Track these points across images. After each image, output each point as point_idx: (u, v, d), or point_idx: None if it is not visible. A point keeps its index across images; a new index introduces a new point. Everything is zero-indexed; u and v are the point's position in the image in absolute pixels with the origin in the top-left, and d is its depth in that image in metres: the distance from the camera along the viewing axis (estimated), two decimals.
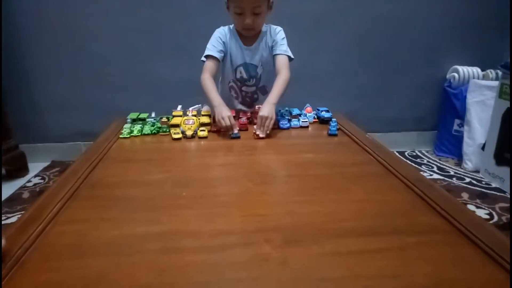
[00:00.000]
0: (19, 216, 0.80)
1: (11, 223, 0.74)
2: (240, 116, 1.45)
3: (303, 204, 0.85)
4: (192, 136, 1.31)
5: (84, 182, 0.97)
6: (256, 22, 1.39)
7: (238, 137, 1.30)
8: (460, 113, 2.08)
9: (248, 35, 1.47)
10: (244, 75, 1.54)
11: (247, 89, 1.58)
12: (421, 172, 1.93)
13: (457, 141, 2.11)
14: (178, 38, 2.09)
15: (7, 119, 1.83)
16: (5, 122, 1.80)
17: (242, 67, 1.52)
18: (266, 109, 1.31)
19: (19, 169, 1.86)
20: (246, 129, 1.39)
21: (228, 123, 1.30)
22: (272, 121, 1.30)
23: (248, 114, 1.49)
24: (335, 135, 1.34)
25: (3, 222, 1.55)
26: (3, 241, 0.61)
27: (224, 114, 1.30)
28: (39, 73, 2.09)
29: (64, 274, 0.62)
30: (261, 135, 1.29)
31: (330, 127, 1.34)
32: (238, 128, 1.33)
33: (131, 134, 1.34)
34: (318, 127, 1.45)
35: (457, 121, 2.14)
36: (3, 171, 1.88)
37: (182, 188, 0.93)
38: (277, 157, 1.17)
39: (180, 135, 1.31)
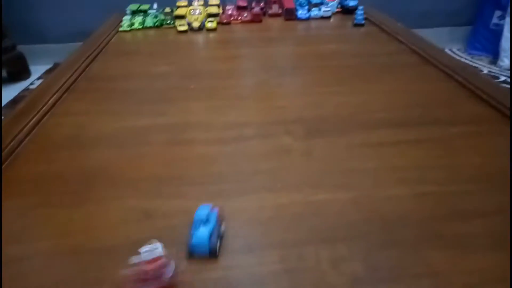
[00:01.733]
0: None
1: None
2: (253, 6, 1.28)
3: (327, 95, 0.75)
4: (200, 28, 1.17)
5: (82, 75, 0.87)
6: None
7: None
8: (502, 2, 1.83)
9: None
10: None
11: None
12: None
13: (495, 36, 1.89)
14: None
15: (2, 18, 1.68)
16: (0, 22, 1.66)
17: None
18: None
19: (20, 71, 1.76)
20: (260, 21, 1.23)
21: None
22: None
23: (262, 3, 1.31)
24: (362, 25, 1.17)
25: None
26: None
27: None
28: None
29: (63, 165, 0.56)
30: None
31: (355, 15, 1.17)
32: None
33: (132, 27, 1.20)
34: (342, 18, 1.27)
35: (497, 13, 1.89)
36: (4, 73, 1.79)
37: (190, 80, 0.83)
38: (296, 48, 1.03)
39: (186, 27, 1.17)
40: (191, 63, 0.94)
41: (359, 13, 1.17)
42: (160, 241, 0.42)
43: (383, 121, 0.65)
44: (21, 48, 1.82)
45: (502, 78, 1.75)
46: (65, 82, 0.81)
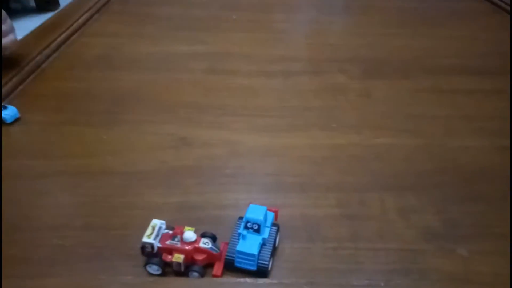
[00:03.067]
0: None
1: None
2: None
3: (386, 37, 0.66)
4: None
5: None
6: None
7: None
8: None
9: None
10: None
11: None
12: None
13: None
14: None
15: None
16: None
17: None
18: None
19: (49, 1, 1.70)
20: None
21: None
22: None
23: None
24: None
25: None
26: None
27: None
28: None
29: (93, 84, 0.51)
30: None
31: None
32: None
33: None
34: None
35: None
36: (32, 2, 1.74)
37: (232, 11, 0.75)
38: None
39: None
40: None
41: None
42: (199, 170, 0.37)
43: (455, 67, 0.56)
44: None
45: None
46: (97, 2, 0.74)
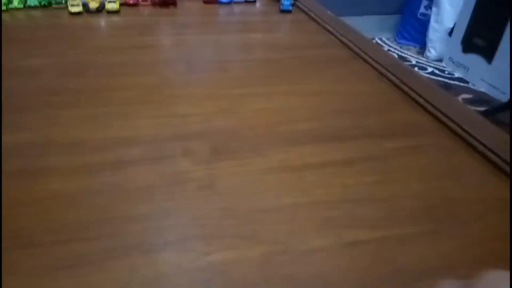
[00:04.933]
0: None
1: None
2: None
3: (243, 98, 0.61)
4: (98, 10, 0.96)
5: None
6: None
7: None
8: None
9: None
10: None
11: None
12: None
13: (422, 26, 1.89)
14: None
15: None
16: None
17: None
18: None
19: None
20: (174, 4, 1.05)
21: None
22: None
23: None
24: (289, 11, 1.05)
25: None
26: None
27: None
28: None
29: None
30: None
31: (282, 1, 1.04)
32: None
33: (10, 6, 0.96)
34: (268, 3, 1.13)
35: (424, 2, 1.89)
36: None
37: (71, 78, 0.64)
38: (213, 37, 0.88)
39: (80, 8, 0.95)
40: (76, 54, 0.75)
41: None
42: None
43: (307, 133, 0.53)
44: None
45: (430, 69, 1.76)
46: None
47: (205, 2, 1.09)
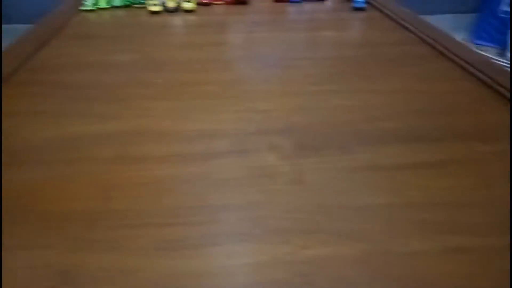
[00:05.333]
0: None
1: None
2: None
3: (320, 96, 0.61)
4: (175, 9, 1.00)
5: (27, 63, 0.71)
6: None
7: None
8: None
9: None
10: None
11: None
12: None
13: (503, 24, 1.74)
14: None
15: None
16: None
17: None
18: None
19: None
20: (245, 2, 1.07)
21: None
22: None
23: None
24: (362, 8, 1.02)
25: None
26: None
27: None
28: None
29: None
30: None
31: None
32: None
33: (97, 6, 1.03)
34: (340, 1, 1.12)
35: None
36: None
37: (155, 73, 0.68)
38: (285, 35, 0.88)
39: (159, 8, 1.00)
40: (159, 50, 0.79)
41: None
42: None
43: (390, 132, 0.51)
44: None
45: None
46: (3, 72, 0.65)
47: (275, 1, 1.10)
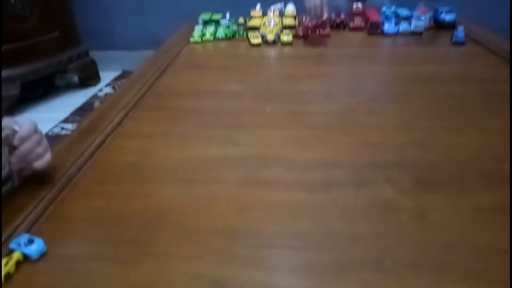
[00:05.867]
0: None
1: None
2: (333, 18, 1.16)
3: (434, 131, 0.61)
4: (274, 42, 1.07)
5: (151, 89, 0.81)
6: None
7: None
8: None
9: None
10: None
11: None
12: None
13: None
14: None
15: (76, 24, 1.73)
16: (74, 28, 1.70)
17: None
18: None
19: (91, 77, 1.81)
20: (328, 36, 1.08)
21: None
22: None
23: (342, 15, 1.19)
24: (463, 43, 1.00)
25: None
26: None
27: None
28: None
29: (121, 201, 0.48)
30: None
31: (455, 32, 1.01)
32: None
33: (203, 38, 1.14)
34: (436, 34, 1.11)
35: None
36: (76, 78, 1.84)
37: (265, 102, 0.73)
38: (386, 68, 0.90)
39: (259, 40, 1.08)
40: (265, 81, 0.85)
41: (460, 29, 1.01)
42: None
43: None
44: (93, 54, 1.87)
45: None
46: (132, 97, 0.75)
47: (369, 34, 1.12)
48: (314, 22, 1.10)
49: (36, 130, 0.46)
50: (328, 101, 0.74)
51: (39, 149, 0.46)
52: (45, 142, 0.48)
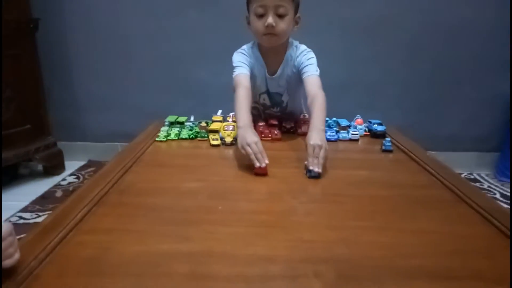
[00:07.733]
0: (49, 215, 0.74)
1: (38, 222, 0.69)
2: (284, 124, 1.34)
3: (358, 230, 0.72)
4: (232, 143, 1.21)
5: (114, 186, 0.89)
6: (279, 26, 1.14)
7: (317, 177, 0.97)
8: None
9: (270, 44, 1.22)
10: (268, 103, 1.39)
11: (271, 112, 1.43)
12: None
13: None
14: (222, 41, 2.02)
15: (47, 116, 1.84)
16: (45, 119, 1.81)
17: (265, 95, 1.37)
18: (318, 136, 1.01)
19: (56, 167, 1.85)
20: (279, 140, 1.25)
21: (253, 150, 0.98)
22: (326, 152, 1.00)
23: (292, 123, 1.37)
24: (390, 151, 1.19)
25: (32, 221, 1.53)
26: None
27: (249, 139, 0.99)
28: (83, 72, 2.09)
29: None
30: (316, 170, 0.96)
31: (384, 141, 1.20)
32: (266, 161, 0.97)
33: (168, 138, 1.27)
34: (370, 141, 1.30)
35: None
36: (40, 167, 1.88)
37: (218, 201, 0.83)
38: (326, 172, 1.03)
39: (218, 142, 1.22)
40: (221, 180, 0.96)
41: (388, 139, 1.20)
42: None
43: (421, 270, 0.60)
44: (61, 144, 1.95)
45: None
46: (96, 194, 0.83)
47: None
48: (267, 129, 1.27)
49: (11, 233, 0.52)
50: (272, 200, 0.85)
51: (11, 250, 0.52)
52: (15, 242, 0.54)
